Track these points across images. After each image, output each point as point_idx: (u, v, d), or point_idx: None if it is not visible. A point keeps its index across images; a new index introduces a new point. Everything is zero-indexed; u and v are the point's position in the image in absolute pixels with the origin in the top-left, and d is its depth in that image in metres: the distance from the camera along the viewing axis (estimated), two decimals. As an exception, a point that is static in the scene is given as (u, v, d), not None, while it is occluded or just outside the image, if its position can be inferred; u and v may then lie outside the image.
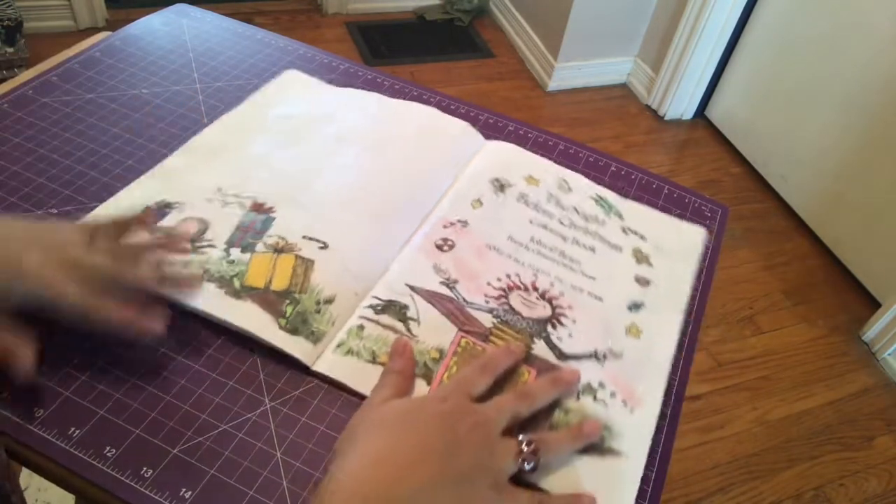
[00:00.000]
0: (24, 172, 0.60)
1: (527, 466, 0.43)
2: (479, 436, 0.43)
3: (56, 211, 0.57)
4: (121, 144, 0.64)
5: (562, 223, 0.64)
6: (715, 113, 2.21)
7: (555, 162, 0.71)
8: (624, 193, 0.69)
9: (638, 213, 0.67)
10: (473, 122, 0.74)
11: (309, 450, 0.45)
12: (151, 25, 0.80)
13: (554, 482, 0.46)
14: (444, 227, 0.62)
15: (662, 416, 0.51)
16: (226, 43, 0.79)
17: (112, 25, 2.17)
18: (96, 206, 0.58)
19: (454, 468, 0.41)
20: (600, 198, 0.68)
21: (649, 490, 0.47)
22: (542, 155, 0.72)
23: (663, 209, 0.69)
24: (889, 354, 1.60)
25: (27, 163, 0.61)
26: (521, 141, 0.73)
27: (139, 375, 0.47)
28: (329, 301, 0.53)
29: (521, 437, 0.44)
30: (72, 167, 0.61)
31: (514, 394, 0.47)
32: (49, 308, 0.45)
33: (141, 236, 0.52)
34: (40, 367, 0.45)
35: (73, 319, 0.45)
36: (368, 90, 0.75)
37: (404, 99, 0.75)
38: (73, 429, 0.44)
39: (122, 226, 0.51)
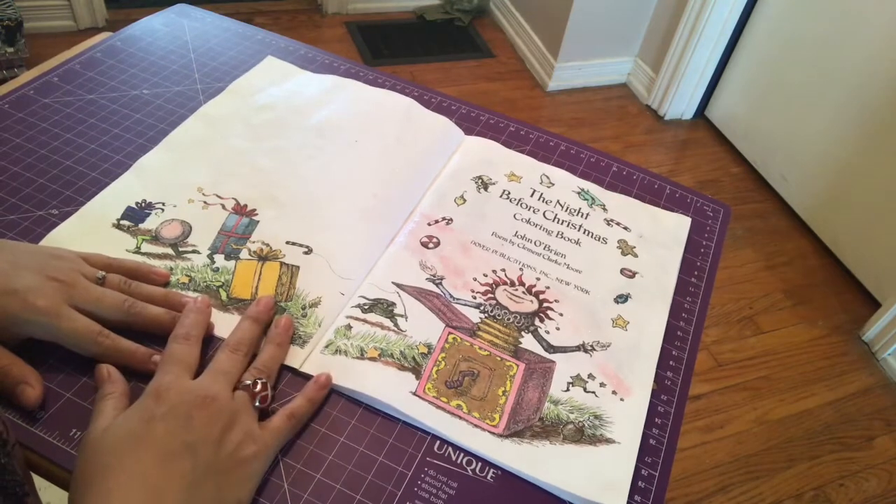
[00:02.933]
0: (25, 173, 0.60)
1: (259, 403, 0.45)
2: (213, 410, 0.41)
3: (56, 212, 0.57)
4: (122, 145, 0.64)
5: (546, 217, 0.65)
6: (715, 113, 2.21)
7: (555, 162, 0.71)
8: (606, 185, 0.69)
9: (621, 204, 0.68)
10: (474, 122, 0.74)
11: (310, 452, 0.45)
12: (152, 26, 0.80)
13: (548, 471, 0.46)
14: (429, 224, 0.62)
15: (665, 415, 0.51)
16: (226, 43, 0.79)
17: (112, 26, 2.16)
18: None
19: (204, 457, 0.39)
20: (583, 190, 0.68)
21: (653, 490, 0.47)
22: (543, 155, 0.72)
23: (665, 209, 0.68)
24: (889, 354, 1.60)
25: (28, 163, 0.61)
26: (522, 141, 0.73)
27: (139, 377, 0.47)
28: (315, 304, 0.53)
29: (245, 382, 0.45)
30: (72, 168, 0.61)
31: (225, 350, 0.47)
32: (60, 341, 0.46)
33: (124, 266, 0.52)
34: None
35: (83, 352, 0.46)
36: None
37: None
38: (74, 430, 0.44)
39: (134, 270, 0.52)
